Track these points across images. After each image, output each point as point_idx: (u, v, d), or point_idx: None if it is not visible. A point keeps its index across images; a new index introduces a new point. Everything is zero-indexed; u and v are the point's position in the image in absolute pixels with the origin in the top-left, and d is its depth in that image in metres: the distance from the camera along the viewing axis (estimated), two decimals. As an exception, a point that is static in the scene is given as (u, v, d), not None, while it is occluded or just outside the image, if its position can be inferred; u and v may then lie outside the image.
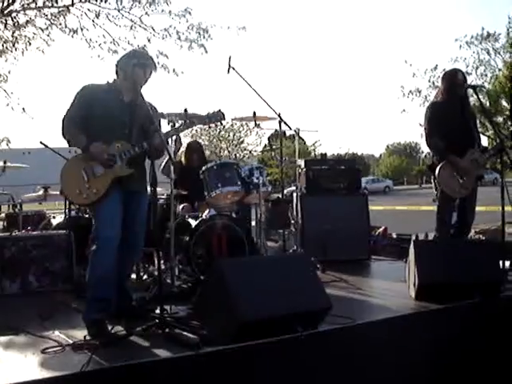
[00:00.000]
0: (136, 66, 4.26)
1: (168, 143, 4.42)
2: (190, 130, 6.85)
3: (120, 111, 4.30)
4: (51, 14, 14.39)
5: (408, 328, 4.23)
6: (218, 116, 4.54)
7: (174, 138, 5.49)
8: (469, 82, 20.82)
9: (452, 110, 5.79)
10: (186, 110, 5.35)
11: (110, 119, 4.23)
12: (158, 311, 4.02)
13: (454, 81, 5.89)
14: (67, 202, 6.07)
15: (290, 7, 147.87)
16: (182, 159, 6.96)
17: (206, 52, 15.12)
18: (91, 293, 4.14)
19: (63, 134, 4.27)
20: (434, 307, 4.44)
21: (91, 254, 4.19)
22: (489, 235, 8.71)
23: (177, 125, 4.50)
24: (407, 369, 4.08)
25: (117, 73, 4.40)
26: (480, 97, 7.64)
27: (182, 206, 6.35)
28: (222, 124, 4.72)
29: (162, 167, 6.14)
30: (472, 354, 4.39)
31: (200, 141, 31.77)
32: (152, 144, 4.22)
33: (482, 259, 4.76)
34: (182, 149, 6.98)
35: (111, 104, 4.28)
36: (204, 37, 14.99)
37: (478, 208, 6.06)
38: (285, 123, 6.15)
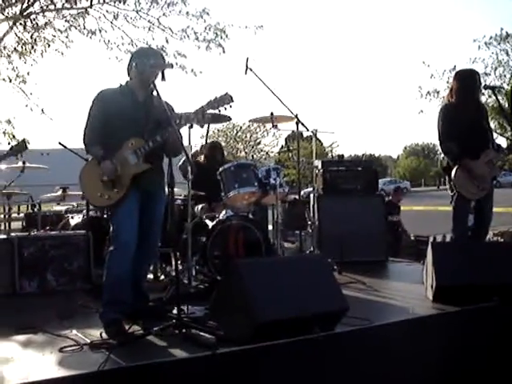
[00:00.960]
0: (153, 67, 4.24)
1: (182, 138, 4.36)
2: (205, 129, 6.73)
3: (134, 110, 4.31)
4: (70, 16, 14.52)
5: (425, 330, 4.20)
6: (225, 99, 4.42)
7: (201, 144, 5.38)
8: (487, 82, 20.78)
9: (466, 111, 5.70)
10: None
11: (124, 119, 4.25)
12: (175, 311, 4.02)
13: (471, 82, 5.83)
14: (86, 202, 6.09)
15: (305, 9, 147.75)
16: (201, 159, 6.95)
17: (224, 52, 15.13)
18: (107, 294, 4.16)
19: (84, 142, 4.31)
20: (452, 309, 4.41)
21: (108, 255, 4.22)
22: (507, 237, 8.66)
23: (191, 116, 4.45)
24: (423, 371, 4.05)
25: (129, 73, 4.42)
26: (499, 98, 7.56)
27: (200, 206, 6.36)
28: (231, 107, 4.61)
29: (180, 163, 6.14)
30: (489, 357, 4.34)
31: (217, 142, 31.79)
32: (165, 136, 4.18)
33: (500, 261, 4.72)
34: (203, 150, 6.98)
35: (125, 105, 4.29)
36: (221, 37, 15.00)
37: (495, 209, 6.00)
38: (302, 124, 6.12)
